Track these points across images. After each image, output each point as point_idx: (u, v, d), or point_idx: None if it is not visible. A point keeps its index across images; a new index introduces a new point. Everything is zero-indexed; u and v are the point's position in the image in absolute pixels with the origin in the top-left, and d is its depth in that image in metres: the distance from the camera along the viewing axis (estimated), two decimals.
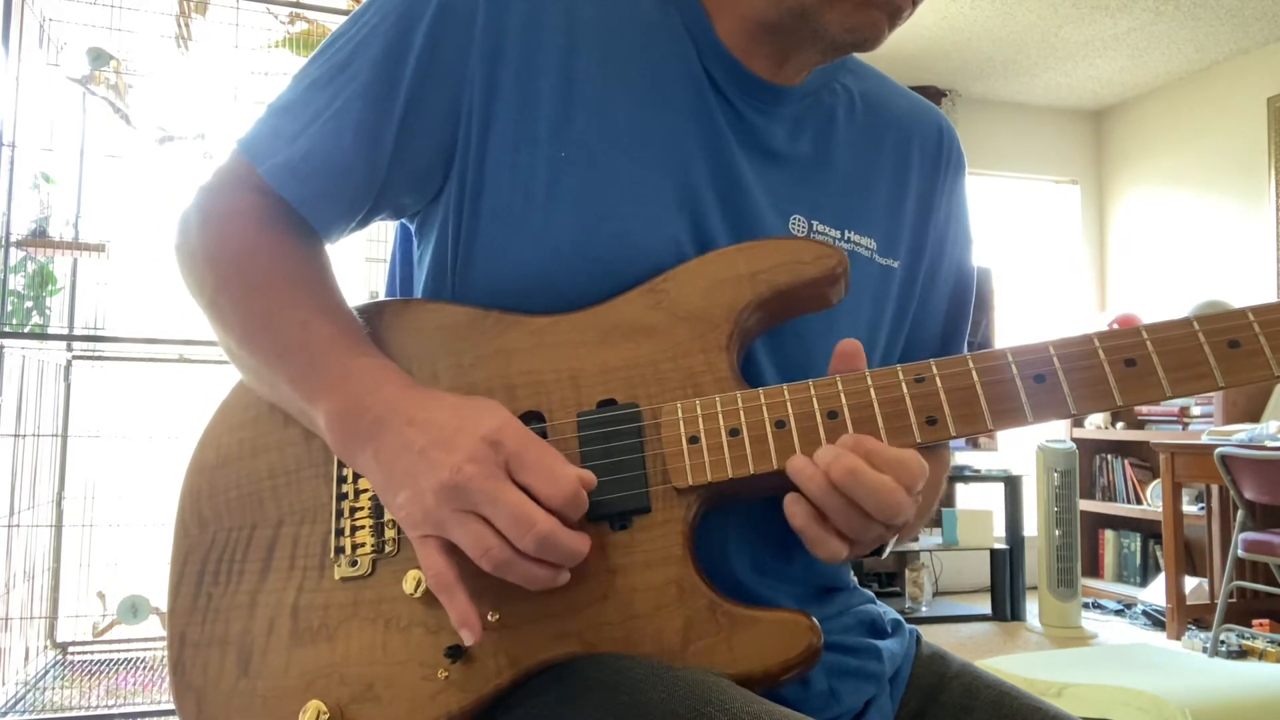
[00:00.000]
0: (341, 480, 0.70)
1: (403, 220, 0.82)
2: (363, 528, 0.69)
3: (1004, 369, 0.63)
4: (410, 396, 0.65)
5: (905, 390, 0.64)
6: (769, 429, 0.65)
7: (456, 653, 0.64)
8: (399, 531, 0.68)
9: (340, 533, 0.69)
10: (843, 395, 0.65)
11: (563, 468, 0.61)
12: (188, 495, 0.73)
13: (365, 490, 0.69)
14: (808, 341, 0.75)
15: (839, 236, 0.79)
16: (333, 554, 0.69)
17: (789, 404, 0.66)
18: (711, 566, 0.66)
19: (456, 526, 0.60)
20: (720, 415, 0.66)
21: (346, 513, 0.69)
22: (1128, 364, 0.62)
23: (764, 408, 0.66)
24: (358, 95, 0.72)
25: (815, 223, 0.78)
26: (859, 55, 0.89)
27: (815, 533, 0.62)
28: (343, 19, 0.76)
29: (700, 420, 0.66)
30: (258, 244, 0.72)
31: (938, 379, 0.64)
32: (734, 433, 0.66)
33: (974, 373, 0.64)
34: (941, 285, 0.88)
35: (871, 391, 0.65)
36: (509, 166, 0.72)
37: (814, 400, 0.65)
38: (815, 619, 0.63)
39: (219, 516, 0.72)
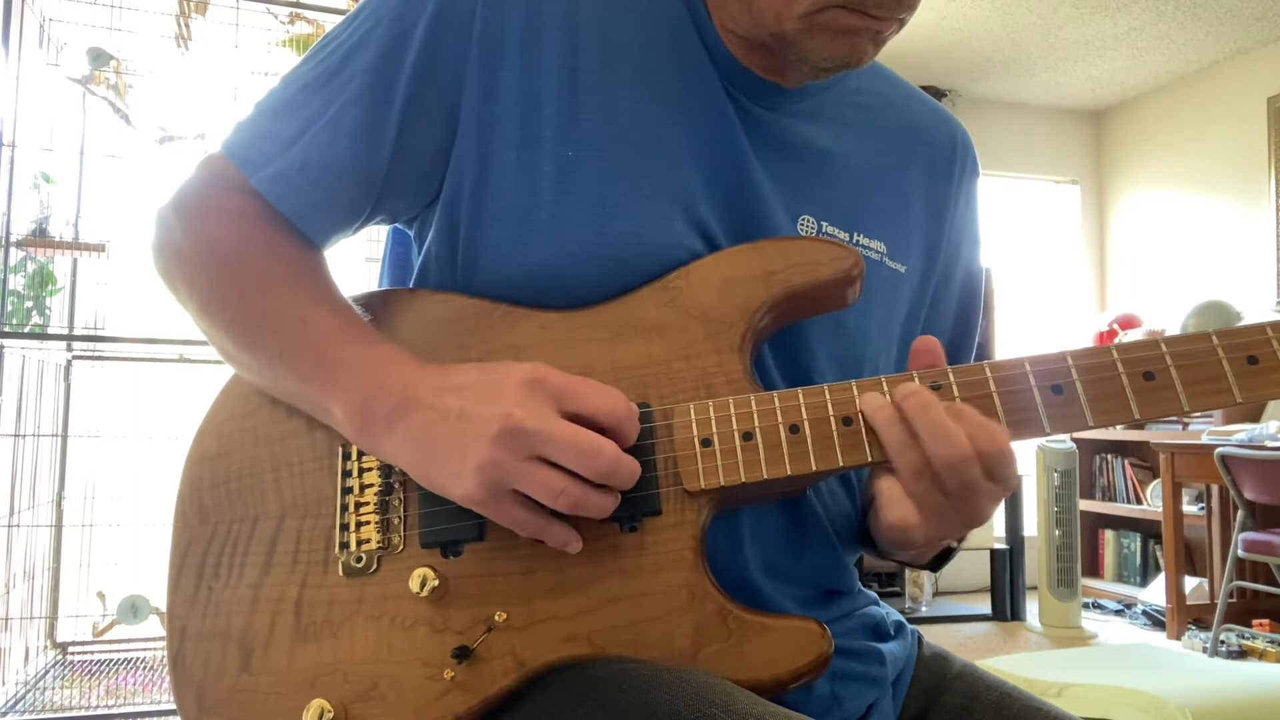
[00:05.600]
0: (346, 474, 0.69)
1: (397, 224, 0.82)
2: (367, 523, 0.68)
3: (1021, 379, 0.62)
4: (430, 371, 0.64)
5: None
6: (783, 434, 0.64)
7: (463, 653, 0.64)
8: (404, 528, 0.67)
9: (345, 528, 0.68)
10: (858, 401, 0.64)
11: (609, 387, 0.61)
12: (188, 485, 0.72)
13: (370, 485, 0.69)
14: (813, 343, 0.74)
15: (848, 238, 0.77)
16: (336, 549, 0.68)
17: (804, 408, 0.65)
18: (718, 565, 0.66)
19: (521, 478, 0.59)
20: (734, 418, 0.65)
21: (351, 507, 0.68)
22: (1146, 377, 0.61)
23: (778, 411, 0.65)
24: (353, 102, 0.70)
25: (824, 223, 0.77)
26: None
27: (891, 488, 0.65)
28: (342, 19, 0.76)
29: (713, 423, 0.65)
30: (253, 244, 0.71)
31: (954, 387, 0.63)
32: (747, 436, 0.64)
33: (991, 381, 0.63)
34: (953, 289, 0.87)
35: (888, 397, 0.63)
36: (513, 166, 0.71)
37: (829, 405, 0.64)
38: (825, 625, 0.62)
39: (220, 508, 0.71)
